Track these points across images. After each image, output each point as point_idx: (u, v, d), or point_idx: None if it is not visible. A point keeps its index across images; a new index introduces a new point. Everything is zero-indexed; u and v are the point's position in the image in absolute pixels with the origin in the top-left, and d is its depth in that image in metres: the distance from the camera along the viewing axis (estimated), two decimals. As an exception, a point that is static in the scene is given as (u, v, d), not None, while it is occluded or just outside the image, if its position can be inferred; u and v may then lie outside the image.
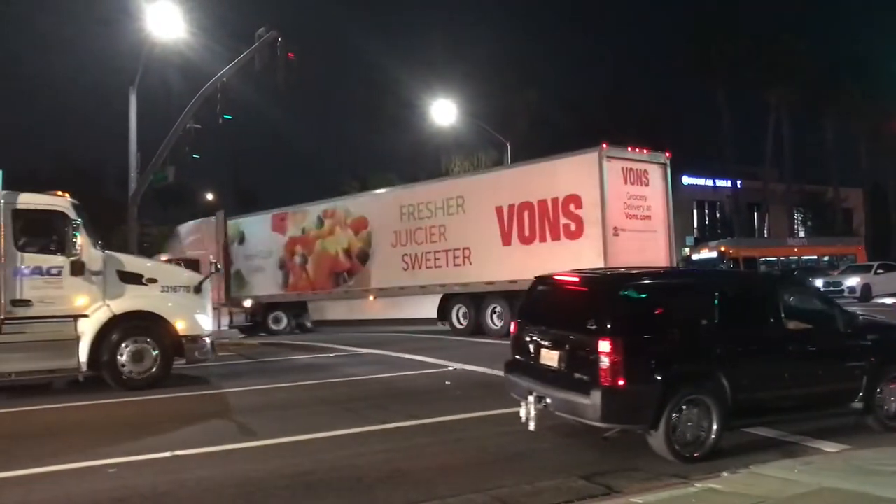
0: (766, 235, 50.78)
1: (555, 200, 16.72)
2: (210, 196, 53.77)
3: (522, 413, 6.70)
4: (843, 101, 48.69)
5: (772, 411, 6.91)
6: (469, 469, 6.27)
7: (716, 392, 6.35)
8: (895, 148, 50.82)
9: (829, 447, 6.72)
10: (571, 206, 16.42)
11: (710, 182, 52.53)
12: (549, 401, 6.56)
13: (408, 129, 43.11)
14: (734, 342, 6.67)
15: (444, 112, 32.74)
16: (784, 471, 5.63)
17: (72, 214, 10.50)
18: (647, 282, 7.19)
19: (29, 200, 10.52)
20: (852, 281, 30.64)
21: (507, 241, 17.59)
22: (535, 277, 7.79)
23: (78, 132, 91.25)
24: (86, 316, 10.56)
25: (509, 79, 43.07)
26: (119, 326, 10.72)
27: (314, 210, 22.62)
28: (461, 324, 19.04)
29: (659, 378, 6.18)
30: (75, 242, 10.38)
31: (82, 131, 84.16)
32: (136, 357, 10.79)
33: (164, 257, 21.24)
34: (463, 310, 19.01)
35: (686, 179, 48.58)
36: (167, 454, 6.80)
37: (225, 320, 21.52)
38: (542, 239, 16.94)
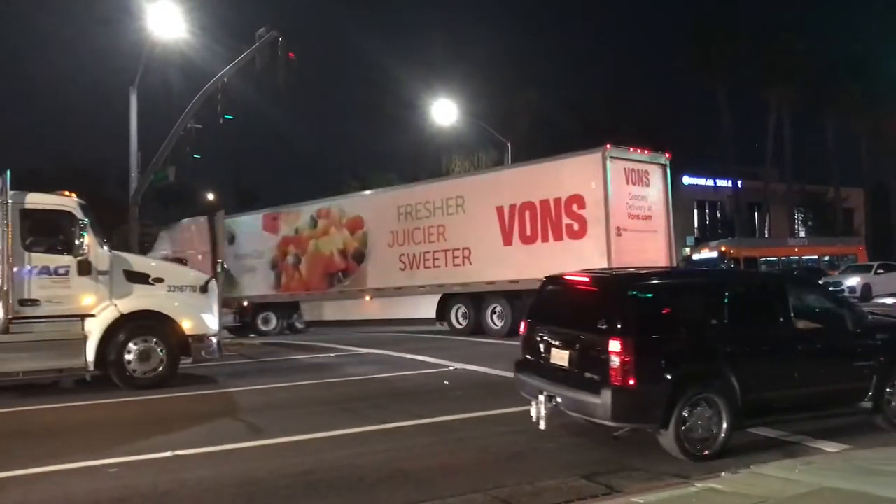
0: (766, 235, 50.78)
1: (557, 200, 16.74)
2: (211, 196, 53.74)
3: (533, 412, 6.73)
4: (843, 100, 48.68)
5: (781, 410, 6.93)
6: (470, 469, 6.28)
7: (725, 391, 6.38)
8: (896, 148, 50.85)
9: (830, 447, 6.72)
10: (574, 206, 16.44)
11: (710, 182, 52.53)
12: (559, 400, 6.59)
13: (408, 129, 43.14)
14: (744, 342, 6.71)
15: (444, 112, 32.73)
16: (785, 471, 5.63)
17: (79, 214, 10.55)
18: (657, 282, 7.26)
19: (37, 200, 10.57)
20: (852, 281, 30.63)
21: (508, 241, 17.59)
22: (546, 277, 7.82)
23: (78, 132, 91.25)
24: (93, 315, 10.60)
25: (509, 78, 43.06)
26: (126, 326, 10.76)
27: (308, 210, 22.44)
28: (460, 324, 19.03)
29: (669, 377, 6.22)
30: (82, 242, 10.44)
31: (83, 131, 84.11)
32: (143, 356, 10.81)
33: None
34: (462, 310, 19.00)
35: (686, 179, 48.58)
36: (168, 454, 6.81)
37: None
38: (545, 239, 16.95)
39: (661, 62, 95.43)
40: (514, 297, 17.63)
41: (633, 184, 16.52)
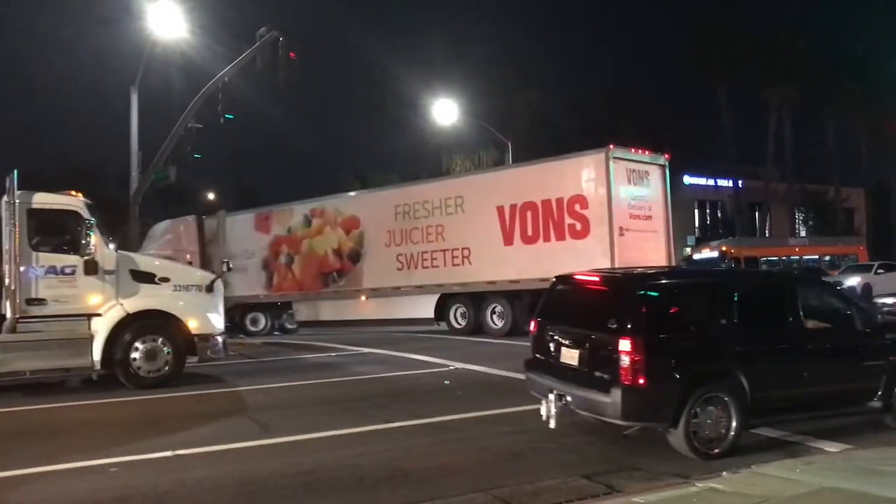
0: (767, 235, 50.72)
1: (559, 200, 16.76)
2: (211, 195, 53.77)
3: (543, 411, 6.75)
4: (843, 100, 48.58)
5: (790, 410, 6.95)
6: (471, 468, 6.28)
7: (735, 390, 6.41)
8: (896, 147, 50.82)
9: (831, 447, 6.72)
10: (577, 206, 16.47)
11: (711, 182, 52.44)
12: (569, 399, 6.62)
13: (409, 129, 43.09)
14: (753, 341, 6.73)
15: (444, 111, 32.74)
16: (785, 470, 5.63)
17: (85, 214, 10.59)
18: (667, 281, 7.31)
19: (43, 200, 10.62)
20: (852, 281, 30.57)
21: (509, 240, 17.59)
22: (555, 277, 7.88)
23: (79, 132, 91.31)
24: (99, 315, 10.64)
25: (510, 78, 43.01)
26: (132, 325, 10.80)
27: (301, 209, 22.22)
28: (459, 323, 19.01)
29: (679, 376, 6.25)
30: (89, 242, 10.48)
31: (83, 131, 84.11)
32: (149, 356, 10.85)
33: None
34: (461, 309, 18.98)
35: (687, 179, 48.52)
36: (169, 453, 6.81)
37: None
38: (547, 239, 16.96)
39: (662, 62, 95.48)
40: (515, 297, 17.64)
41: (634, 184, 16.59)
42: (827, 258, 38.59)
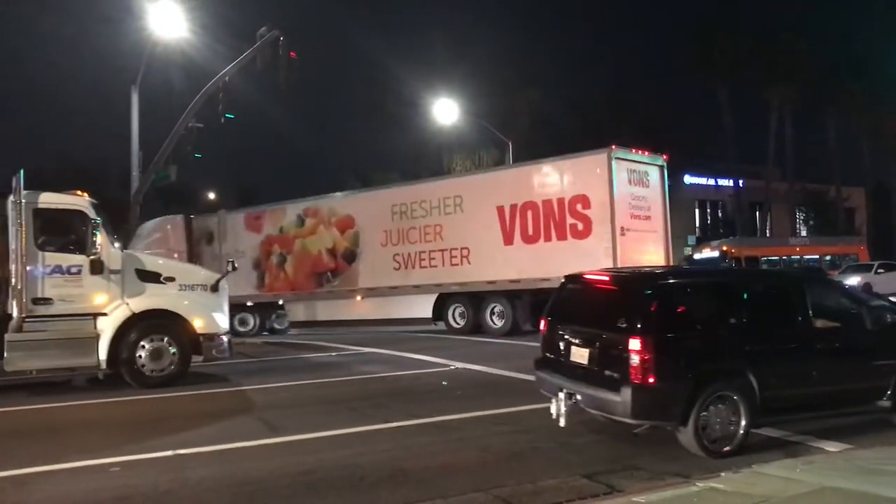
0: (768, 235, 50.71)
1: (561, 200, 16.78)
2: (212, 195, 53.82)
3: (553, 409, 6.77)
4: (844, 100, 48.58)
5: (799, 409, 6.96)
6: (471, 468, 6.27)
7: (744, 389, 6.42)
8: (897, 147, 50.79)
9: (832, 447, 6.72)
10: (579, 206, 16.48)
11: (712, 181, 52.46)
12: (579, 397, 6.63)
13: (409, 129, 43.19)
14: (762, 340, 6.74)
15: (445, 111, 32.76)
16: (786, 470, 5.63)
17: (91, 214, 10.62)
18: (676, 280, 7.31)
19: (50, 200, 10.63)
20: (853, 280, 30.57)
21: (509, 240, 17.59)
22: (565, 276, 7.90)
23: (79, 132, 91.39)
24: (105, 314, 10.67)
25: (510, 78, 43.07)
26: (138, 325, 10.82)
27: (294, 209, 22.01)
28: (457, 323, 18.99)
29: (688, 375, 6.26)
30: (95, 241, 10.52)
31: (84, 131, 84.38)
32: (155, 355, 10.87)
33: None
34: (460, 309, 18.96)
35: (688, 179, 48.56)
36: (170, 452, 6.81)
37: None
38: (548, 238, 16.97)
39: (662, 62, 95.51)
40: (515, 297, 17.65)
41: (634, 184, 16.64)
42: (827, 258, 38.58)
